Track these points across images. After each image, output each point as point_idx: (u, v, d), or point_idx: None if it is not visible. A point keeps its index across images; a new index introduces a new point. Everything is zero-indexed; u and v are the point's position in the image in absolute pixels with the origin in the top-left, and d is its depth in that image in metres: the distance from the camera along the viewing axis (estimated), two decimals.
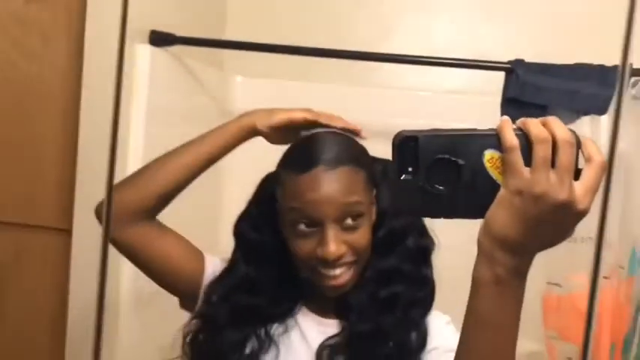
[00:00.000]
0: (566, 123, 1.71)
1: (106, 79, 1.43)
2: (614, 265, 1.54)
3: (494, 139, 0.59)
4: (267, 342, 0.98)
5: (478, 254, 0.61)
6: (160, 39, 1.55)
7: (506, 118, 0.59)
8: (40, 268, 1.53)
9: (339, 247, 0.90)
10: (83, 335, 1.46)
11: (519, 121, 0.59)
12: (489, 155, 0.59)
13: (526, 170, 0.56)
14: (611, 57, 1.52)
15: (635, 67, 1.46)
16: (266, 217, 1.00)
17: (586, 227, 1.73)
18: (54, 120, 1.49)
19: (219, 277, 1.03)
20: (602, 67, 1.52)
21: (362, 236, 0.93)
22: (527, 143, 0.57)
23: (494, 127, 0.59)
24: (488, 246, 0.59)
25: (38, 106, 1.50)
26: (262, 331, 0.98)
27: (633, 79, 1.51)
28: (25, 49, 1.48)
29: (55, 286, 1.51)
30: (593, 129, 1.55)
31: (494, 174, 0.59)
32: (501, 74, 1.59)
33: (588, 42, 1.80)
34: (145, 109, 1.49)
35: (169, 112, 1.65)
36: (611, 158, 0.47)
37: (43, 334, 1.53)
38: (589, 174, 0.56)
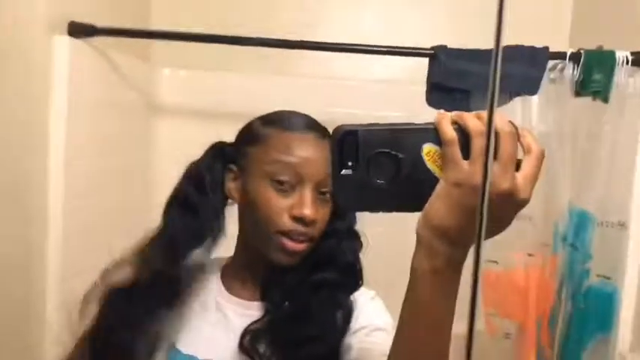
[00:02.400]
0: (499, 105, 1.74)
1: (19, 71, 1.35)
2: (539, 242, 1.60)
3: (432, 132, 0.59)
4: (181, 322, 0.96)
5: (417, 245, 0.61)
6: (79, 30, 1.48)
7: (443, 112, 0.60)
8: None
9: (315, 212, 0.90)
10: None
11: (455, 114, 0.59)
12: (427, 149, 0.59)
13: (465, 163, 0.57)
14: (536, 39, 1.57)
15: (551, 50, 1.54)
16: (214, 186, 0.97)
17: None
18: None
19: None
20: (531, 48, 1.54)
21: (326, 213, 0.93)
22: (464, 136, 0.58)
23: (429, 118, 0.60)
24: (428, 237, 0.59)
25: None
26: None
27: (551, 62, 1.56)
28: None
29: None
30: (525, 110, 1.59)
31: (433, 167, 0.59)
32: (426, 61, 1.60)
33: (513, 26, 1.85)
34: (65, 105, 1.41)
35: (93, 106, 1.57)
36: (489, 137, 0.47)
37: None
38: (529, 164, 0.58)
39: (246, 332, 0.93)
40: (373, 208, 0.62)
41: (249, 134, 0.96)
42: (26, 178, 1.38)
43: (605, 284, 1.50)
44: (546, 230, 1.60)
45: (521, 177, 0.57)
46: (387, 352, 0.69)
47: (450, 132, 0.58)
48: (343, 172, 0.60)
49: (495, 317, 1.65)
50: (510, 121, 0.57)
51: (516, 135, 0.57)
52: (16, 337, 1.38)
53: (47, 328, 1.43)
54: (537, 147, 0.58)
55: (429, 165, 0.59)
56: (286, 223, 0.90)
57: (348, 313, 0.94)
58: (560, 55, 1.54)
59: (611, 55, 1.50)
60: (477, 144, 0.56)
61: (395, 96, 1.98)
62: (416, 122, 0.61)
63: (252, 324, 0.94)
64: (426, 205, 0.59)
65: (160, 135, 2.02)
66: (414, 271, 0.61)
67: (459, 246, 0.59)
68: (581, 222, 1.53)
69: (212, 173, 0.98)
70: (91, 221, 1.58)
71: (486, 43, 1.55)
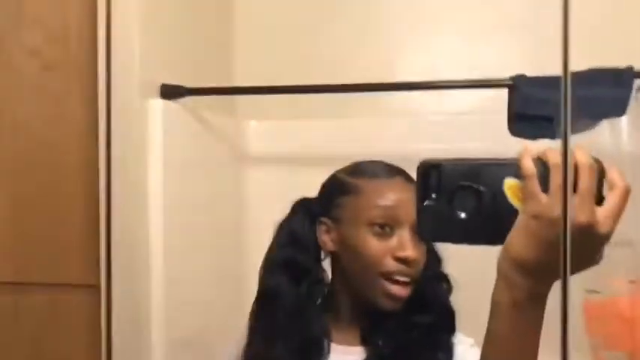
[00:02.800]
0: (584, 130, 1.71)
1: (121, 137, 1.46)
2: None
3: (513, 167, 0.62)
4: None
5: (497, 278, 0.63)
6: (170, 92, 1.58)
7: (526, 146, 0.62)
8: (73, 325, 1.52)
9: (417, 250, 0.93)
10: None
11: (538, 150, 0.62)
12: (509, 183, 0.62)
13: (543, 196, 0.59)
14: (615, 60, 1.53)
15: (637, 69, 1.49)
16: (309, 242, 1.02)
17: (622, 231, 1.72)
18: (75, 182, 1.51)
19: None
20: (614, 69, 1.52)
21: (424, 252, 0.96)
22: (545, 170, 0.60)
23: (512, 147, 0.64)
24: (507, 269, 0.61)
25: (58, 168, 1.52)
26: None
27: (637, 81, 1.51)
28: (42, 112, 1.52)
29: (87, 343, 1.48)
30: (614, 132, 1.54)
31: (514, 201, 0.62)
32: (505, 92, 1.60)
33: (596, 47, 1.82)
34: (161, 163, 1.51)
35: (186, 163, 1.66)
36: (565, 168, 0.50)
37: None
38: (612, 199, 0.59)
39: None
40: (454, 239, 0.65)
41: (339, 186, 1.01)
42: (130, 234, 1.47)
43: None
44: None
45: (602, 211, 0.59)
46: None
47: (530, 166, 0.60)
48: (426, 203, 0.64)
49: (601, 350, 1.57)
50: (595, 158, 0.60)
51: (599, 171, 0.59)
52: None
53: None
54: (622, 183, 0.60)
55: (511, 199, 0.62)
56: (390, 265, 0.94)
57: (448, 354, 0.95)
58: None
59: None
60: (556, 177, 0.59)
61: (475, 127, 1.97)
62: (498, 157, 0.64)
63: None
64: (507, 238, 0.61)
65: (250, 186, 2.10)
66: (494, 304, 0.63)
67: (538, 278, 0.61)
68: None
69: (305, 229, 1.02)
70: (191, 272, 1.65)
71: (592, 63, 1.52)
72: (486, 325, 0.66)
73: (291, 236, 1.03)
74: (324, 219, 1.01)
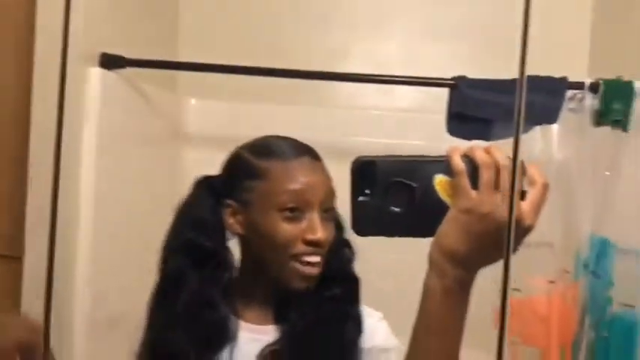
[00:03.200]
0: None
1: (55, 104, 1.41)
2: (560, 269, 1.61)
3: (443, 164, 0.65)
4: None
5: (429, 267, 0.67)
6: (110, 62, 1.54)
7: (454, 145, 0.66)
8: None
9: (325, 231, 0.94)
10: None
11: (466, 148, 0.65)
12: (439, 179, 0.65)
13: (473, 192, 0.63)
14: (554, 69, 1.60)
15: (570, 80, 1.56)
16: (214, 224, 0.98)
17: (540, 232, 1.78)
18: (3, 146, 1.45)
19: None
20: (549, 78, 1.58)
21: (333, 229, 0.97)
22: (473, 168, 0.63)
23: (444, 147, 0.66)
24: (439, 260, 0.65)
25: None
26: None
27: (570, 92, 1.59)
28: None
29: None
30: (545, 139, 1.61)
31: (444, 196, 0.65)
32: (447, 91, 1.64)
33: (532, 56, 1.88)
34: (96, 133, 1.47)
35: (122, 135, 1.62)
36: (514, 170, 0.51)
37: None
38: (533, 194, 0.63)
39: (262, 356, 0.95)
40: (388, 233, 0.66)
41: (246, 169, 0.97)
42: (60, 209, 1.42)
43: (628, 313, 1.50)
44: (567, 257, 1.61)
45: (525, 205, 0.62)
46: None
47: (459, 164, 0.63)
48: (360, 199, 0.65)
49: (519, 345, 1.65)
50: (509, 157, 0.62)
51: (521, 169, 0.61)
52: None
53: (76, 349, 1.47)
54: (541, 179, 0.63)
55: (441, 194, 0.65)
56: (301, 248, 0.93)
57: (358, 324, 0.97)
58: (579, 85, 1.57)
59: (630, 85, 1.53)
60: (485, 175, 0.62)
61: (414, 125, 2.01)
62: (429, 154, 0.66)
63: (268, 346, 0.95)
64: (438, 230, 0.65)
65: (186, 164, 2.07)
66: (426, 290, 0.67)
67: (467, 268, 0.65)
68: (602, 250, 1.54)
69: (209, 211, 0.99)
70: (120, 249, 1.61)
71: (505, 73, 1.60)
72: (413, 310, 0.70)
73: (193, 217, 1.00)
74: (230, 201, 0.98)
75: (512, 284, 1.60)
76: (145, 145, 1.77)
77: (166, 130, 1.95)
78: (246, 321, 0.99)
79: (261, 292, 1.01)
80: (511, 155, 0.59)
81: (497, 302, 1.57)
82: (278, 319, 0.99)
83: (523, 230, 0.62)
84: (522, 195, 0.63)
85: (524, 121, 1.62)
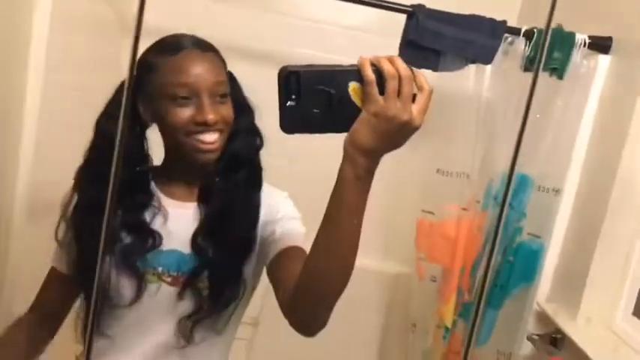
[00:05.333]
0: (456, 69, 1.85)
1: None
2: (472, 199, 1.77)
3: (356, 73, 0.76)
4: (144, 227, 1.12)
5: (343, 158, 0.81)
6: None
7: (365, 56, 0.77)
8: None
9: (215, 113, 1.06)
10: None
11: (373, 58, 0.76)
12: (352, 86, 0.77)
13: (380, 98, 0.75)
14: (498, 12, 1.68)
15: (508, 25, 1.65)
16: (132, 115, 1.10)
17: (463, 164, 1.94)
18: None
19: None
20: (492, 20, 1.65)
21: (229, 110, 1.09)
22: (380, 77, 0.75)
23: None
24: (352, 152, 0.79)
25: None
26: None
27: (506, 36, 1.67)
28: None
29: None
30: (477, 77, 1.72)
31: (357, 100, 0.77)
32: (400, 16, 1.68)
33: None
34: (47, 16, 1.44)
35: (71, 18, 1.60)
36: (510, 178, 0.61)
37: None
38: (421, 99, 0.76)
39: (196, 233, 1.11)
40: (311, 130, 0.80)
41: (145, 64, 1.08)
42: (4, 87, 1.42)
43: (534, 242, 1.67)
44: (480, 188, 1.76)
45: (415, 110, 0.76)
46: (303, 234, 1.04)
47: (369, 74, 0.75)
48: (288, 104, 0.77)
49: (424, 262, 1.83)
50: (408, 66, 0.76)
51: (413, 77, 0.75)
52: None
53: (15, 232, 1.51)
54: (427, 86, 0.77)
55: (354, 99, 0.77)
56: (193, 128, 1.05)
57: (257, 204, 1.15)
58: (515, 31, 1.66)
59: (572, 36, 1.62)
60: (390, 85, 0.75)
61: (366, 43, 2.05)
62: (344, 65, 0.78)
63: (197, 228, 1.12)
64: (351, 128, 0.78)
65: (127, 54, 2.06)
66: (340, 177, 0.81)
67: (373, 159, 0.79)
68: (520, 185, 1.67)
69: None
70: (64, 134, 1.63)
71: (458, 7, 1.63)
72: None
73: (115, 111, 1.11)
74: (141, 96, 1.10)
75: (426, 208, 1.77)
76: (95, 32, 1.75)
77: (114, 17, 1.92)
78: (173, 198, 1.15)
79: (179, 173, 1.15)
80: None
81: (420, 216, 1.71)
82: (200, 198, 1.15)
83: (412, 129, 0.76)
84: (413, 98, 0.76)
85: (462, 58, 1.71)
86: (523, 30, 1.66)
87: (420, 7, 1.66)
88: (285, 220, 1.13)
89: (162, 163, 1.17)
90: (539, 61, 1.48)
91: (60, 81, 1.57)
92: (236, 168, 1.13)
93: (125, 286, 1.09)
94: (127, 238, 1.10)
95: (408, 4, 1.67)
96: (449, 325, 1.81)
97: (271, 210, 1.14)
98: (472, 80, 1.71)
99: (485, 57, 1.68)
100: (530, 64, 1.66)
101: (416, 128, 0.76)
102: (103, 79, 1.82)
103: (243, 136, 1.13)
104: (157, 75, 1.06)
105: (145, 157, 1.16)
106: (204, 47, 1.09)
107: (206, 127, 1.04)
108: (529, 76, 1.67)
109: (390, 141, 0.77)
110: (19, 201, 1.51)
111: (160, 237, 1.11)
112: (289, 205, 1.18)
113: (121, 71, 1.83)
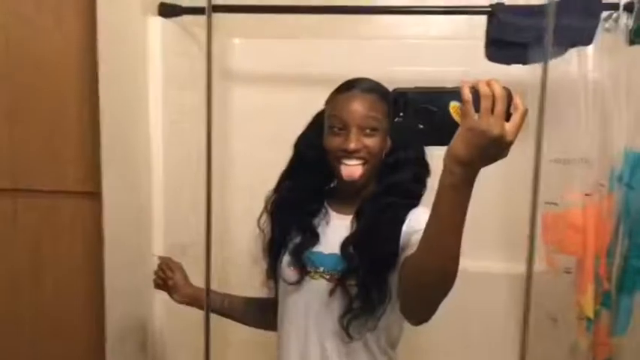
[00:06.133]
0: (552, 57, 1.81)
1: (120, 51, 1.52)
2: (595, 183, 1.71)
3: (457, 94, 0.86)
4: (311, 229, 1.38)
5: (443, 169, 0.91)
6: (168, 10, 1.65)
7: (465, 79, 0.87)
8: (72, 233, 1.61)
9: (357, 143, 1.28)
10: (121, 297, 1.58)
11: (474, 82, 0.86)
12: (452, 105, 0.88)
13: (476, 115, 0.85)
14: None
15: (604, 1, 1.59)
16: (316, 136, 1.36)
17: (580, 150, 1.86)
18: (75, 96, 1.56)
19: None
20: None
21: (375, 142, 1.29)
22: (477, 97, 0.85)
23: (489, 71, 0.91)
24: (449, 163, 0.89)
25: (57, 81, 1.56)
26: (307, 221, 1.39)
27: (605, 13, 1.62)
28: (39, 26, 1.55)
29: (87, 251, 1.60)
30: (581, 59, 1.67)
31: (456, 117, 0.88)
32: (484, 18, 1.69)
33: None
34: (161, 76, 1.59)
35: (179, 76, 1.74)
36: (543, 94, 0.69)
37: (79, 296, 1.62)
38: (515, 117, 0.86)
39: (345, 241, 1.32)
40: (418, 143, 1.01)
41: (327, 101, 1.36)
42: (133, 147, 1.56)
43: None
44: (602, 172, 1.70)
45: (509, 126, 0.85)
46: None
47: (467, 94, 0.86)
48: (396, 120, 0.90)
49: (555, 253, 1.77)
50: (505, 87, 0.85)
51: (507, 97, 0.85)
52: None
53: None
54: (523, 107, 0.86)
55: (454, 116, 0.88)
56: (340, 154, 1.29)
57: (401, 222, 1.28)
58: (614, 6, 1.61)
59: None
60: (484, 103, 0.85)
61: (454, 52, 2.05)
62: (447, 87, 0.89)
63: (348, 236, 1.33)
64: (451, 142, 0.88)
65: (232, 101, 2.18)
66: (440, 186, 0.92)
67: (469, 169, 0.88)
68: (636, 163, 1.62)
69: (314, 131, 1.38)
70: (187, 182, 1.75)
71: None
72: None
73: (308, 134, 1.41)
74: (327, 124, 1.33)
75: (548, 199, 1.71)
76: (197, 84, 1.87)
77: (216, 70, 2.04)
78: (336, 211, 1.40)
79: (341, 191, 1.39)
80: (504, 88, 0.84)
81: (543, 209, 1.68)
82: (357, 214, 1.35)
83: (507, 144, 0.85)
84: (508, 117, 0.85)
85: (560, 44, 1.67)
86: (622, 3, 1.59)
87: (499, 4, 1.66)
88: (420, 233, 1.20)
89: (334, 184, 1.42)
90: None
91: (176, 133, 1.72)
92: (391, 194, 1.32)
93: (291, 273, 1.34)
94: (297, 237, 1.37)
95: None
96: (591, 315, 1.73)
97: (412, 223, 1.26)
98: (575, 63, 1.66)
99: (585, 39, 1.64)
100: (636, 37, 1.58)
101: (509, 143, 0.86)
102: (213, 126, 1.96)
103: (405, 166, 1.32)
104: (329, 108, 1.34)
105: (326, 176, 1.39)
106: (368, 89, 1.31)
107: (348, 154, 1.27)
108: (636, 49, 1.60)
109: (484, 153, 0.86)
110: (156, 244, 1.64)
111: (320, 238, 1.35)
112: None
113: (227, 116, 1.96)
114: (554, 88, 1.67)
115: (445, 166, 0.91)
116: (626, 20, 1.61)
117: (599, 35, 1.62)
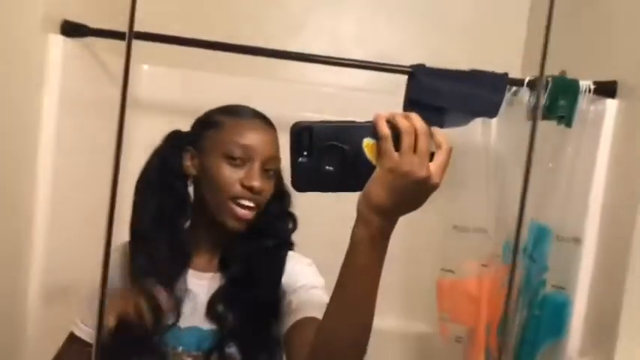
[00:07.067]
0: (460, 124, 1.86)
1: (11, 70, 1.39)
2: (492, 254, 1.74)
3: (371, 129, 0.74)
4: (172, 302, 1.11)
5: (357, 218, 0.77)
6: (72, 30, 1.53)
7: (380, 112, 0.75)
8: None
9: (262, 183, 1.09)
10: None
11: (389, 114, 0.75)
12: (366, 142, 0.75)
13: (396, 154, 0.73)
14: (501, 63, 1.69)
15: (510, 76, 1.65)
16: (176, 168, 1.14)
17: (479, 219, 1.90)
18: None
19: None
20: (493, 74, 1.66)
21: (270, 187, 1.13)
22: (395, 133, 0.73)
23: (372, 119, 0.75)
24: (366, 212, 0.76)
25: None
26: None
27: (508, 87, 1.67)
28: None
29: None
30: (484, 130, 1.71)
31: (371, 157, 0.75)
32: (402, 76, 1.69)
33: (483, 49, 2.00)
34: (57, 100, 1.47)
35: (80, 102, 1.63)
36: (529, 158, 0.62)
37: None
38: (440, 157, 0.74)
39: (211, 301, 1.10)
40: (323, 189, 0.77)
41: (207, 121, 1.15)
42: (16, 173, 1.42)
43: (559, 294, 1.60)
44: (498, 242, 1.73)
45: (434, 167, 0.73)
46: (322, 304, 0.89)
47: (384, 129, 0.73)
48: (300, 160, 0.75)
49: (448, 322, 1.78)
50: (425, 122, 0.74)
51: (430, 134, 0.74)
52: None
53: (30, 321, 1.49)
54: (447, 144, 0.75)
55: (368, 155, 0.75)
56: (238, 190, 1.08)
57: (279, 273, 1.13)
58: (518, 82, 1.66)
59: (575, 83, 1.60)
60: (405, 140, 0.73)
61: (367, 103, 2.06)
62: (358, 120, 0.76)
63: (216, 292, 1.11)
64: (365, 186, 0.75)
65: (137, 130, 2.07)
66: (354, 238, 0.78)
67: (390, 219, 0.76)
68: (540, 236, 1.64)
69: (173, 157, 1.15)
70: (77, 216, 1.63)
71: (458, 58, 1.65)
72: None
73: (161, 161, 1.15)
74: (189, 147, 1.14)
75: (446, 266, 1.73)
76: (101, 111, 1.77)
77: (118, 96, 1.94)
78: (194, 268, 1.15)
79: (207, 239, 1.16)
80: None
81: (440, 275, 1.67)
82: (222, 267, 1.15)
83: (431, 187, 0.74)
84: (431, 156, 0.74)
85: (466, 113, 1.71)
86: (527, 80, 1.66)
87: (420, 66, 1.67)
88: (304, 290, 1.10)
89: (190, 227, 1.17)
90: (536, 108, 1.47)
91: (69, 161, 1.58)
92: (265, 241, 1.15)
93: None
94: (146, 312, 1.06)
95: (408, 64, 1.68)
96: None
97: (290, 279, 1.12)
98: (479, 133, 1.71)
99: (490, 111, 1.68)
100: (546, 113, 1.64)
101: (434, 186, 0.74)
102: (109, 155, 1.84)
103: (279, 216, 1.17)
104: (219, 132, 1.11)
105: (186, 212, 1.16)
106: (269, 122, 1.15)
107: (250, 193, 1.08)
108: (543, 124, 1.65)
109: (407, 199, 0.74)
110: (33, 286, 1.49)
111: (178, 314, 1.10)
112: (311, 273, 1.15)
113: (131, 149, 1.84)
114: (457, 154, 1.71)
115: (359, 215, 0.76)
116: (528, 96, 1.66)
117: (503, 108, 1.67)
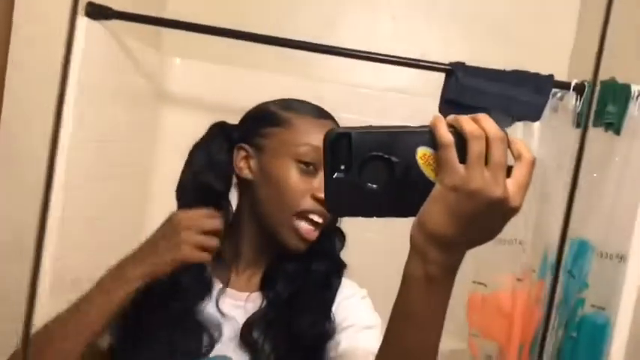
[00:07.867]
0: (502, 127, 1.75)
1: (36, 50, 1.36)
2: (528, 267, 1.63)
3: (426, 135, 0.58)
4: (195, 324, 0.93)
5: (410, 251, 0.60)
6: (96, 12, 1.49)
7: (439, 115, 0.58)
8: None
9: None
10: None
11: (451, 118, 0.58)
12: (422, 152, 0.58)
13: (461, 167, 0.55)
14: (546, 66, 1.59)
15: (556, 79, 1.55)
16: (223, 166, 0.98)
17: (513, 229, 1.81)
18: None
19: None
20: (537, 75, 1.57)
21: None
22: (460, 140, 0.56)
23: (427, 124, 0.59)
24: (422, 243, 0.58)
25: None
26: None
27: (553, 90, 1.58)
28: None
29: None
30: (526, 135, 1.61)
31: (427, 171, 0.58)
32: (441, 75, 1.62)
33: (527, 50, 1.89)
34: (75, 85, 1.42)
35: (101, 89, 1.58)
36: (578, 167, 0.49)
37: None
38: (520, 171, 0.56)
39: (247, 324, 0.93)
40: (365, 213, 0.61)
41: (268, 115, 0.97)
42: (30, 155, 1.39)
43: (599, 315, 1.51)
44: (535, 256, 1.62)
45: (512, 184, 0.55)
46: (374, 350, 0.69)
47: (446, 135, 0.56)
48: (335, 175, 0.59)
49: (478, 338, 1.68)
50: (500, 127, 0.57)
51: (506, 140, 0.56)
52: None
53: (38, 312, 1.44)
54: (529, 154, 0.57)
55: (424, 169, 0.58)
56: (308, 203, 0.91)
57: (330, 302, 0.96)
58: (565, 85, 1.57)
59: (627, 88, 1.52)
60: (474, 148, 0.55)
61: (406, 106, 1.99)
62: (410, 125, 0.60)
63: (252, 315, 0.94)
64: (421, 209, 0.58)
65: (165, 124, 2.04)
66: (407, 276, 0.60)
67: (452, 252, 0.58)
68: (580, 251, 1.54)
69: (220, 153, 0.98)
70: (90, 207, 1.59)
71: (498, 58, 1.57)
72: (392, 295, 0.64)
73: (206, 159, 0.99)
74: (244, 145, 0.97)
75: (478, 279, 1.62)
76: (124, 102, 1.73)
77: (148, 88, 1.90)
78: (231, 287, 0.97)
79: (251, 252, 0.99)
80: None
81: (471, 288, 1.57)
82: (264, 286, 0.97)
83: (508, 211, 0.55)
84: (508, 171, 0.56)
85: (508, 115, 1.61)
86: (573, 84, 1.56)
87: (459, 64, 1.59)
88: (354, 330, 0.93)
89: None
90: (587, 116, 1.37)
91: (87, 150, 1.52)
92: (316, 261, 0.97)
93: None
94: (171, 338, 0.90)
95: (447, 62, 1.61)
96: None
97: (341, 312, 0.95)
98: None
99: (532, 114, 1.59)
100: (595, 120, 1.54)
101: (514, 210, 0.55)
102: (132, 148, 1.80)
103: (329, 234, 0.99)
104: (286, 130, 0.94)
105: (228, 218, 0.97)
106: (337, 123, 0.97)
107: (321, 207, 0.90)
108: (592, 132, 1.55)
109: (476, 227, 0.56)
110: (43, 277, 1.44)
111: (213, 340, 0.92)
112: (365, 308, 0.98)
113: (154, 140, 1.81)
114: None
115: (413, 246, 0.59)
116: (574, 101, 1.56)
117: (546, 113, 1.57)
